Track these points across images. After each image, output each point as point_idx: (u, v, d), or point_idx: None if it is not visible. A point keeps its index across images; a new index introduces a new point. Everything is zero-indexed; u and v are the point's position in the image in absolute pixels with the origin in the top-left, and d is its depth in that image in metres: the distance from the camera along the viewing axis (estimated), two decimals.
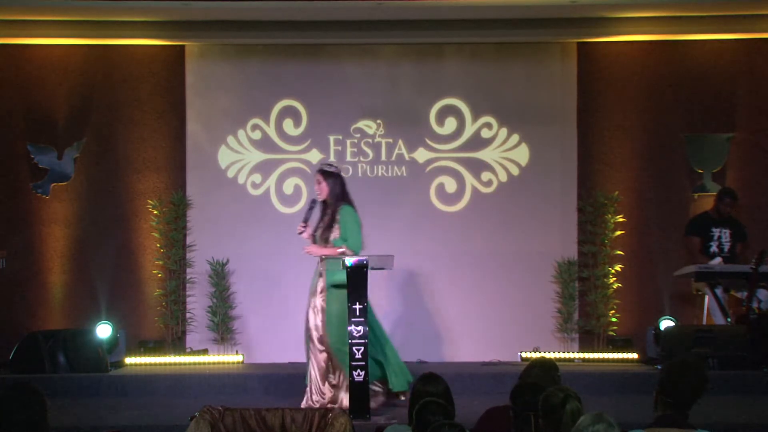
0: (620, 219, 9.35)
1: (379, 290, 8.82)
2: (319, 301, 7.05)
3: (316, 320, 7.04)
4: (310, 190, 9.50)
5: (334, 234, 7.03)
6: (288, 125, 9.55)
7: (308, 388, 7.06)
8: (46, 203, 9.47)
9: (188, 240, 9.44)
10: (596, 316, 9.24)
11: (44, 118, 9.49)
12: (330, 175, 7.10)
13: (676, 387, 4.12)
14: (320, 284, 7.06)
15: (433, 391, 4.56)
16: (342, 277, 6.79)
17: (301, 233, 7.09)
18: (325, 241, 7.06)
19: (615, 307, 9.29)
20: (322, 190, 7.09)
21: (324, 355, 7.02)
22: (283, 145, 9.55)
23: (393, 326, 9.05)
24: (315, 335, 7.03)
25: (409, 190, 9.52)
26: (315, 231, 7.12)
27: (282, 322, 9.29)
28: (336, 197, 7.08)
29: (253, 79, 9.57)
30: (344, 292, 6.77)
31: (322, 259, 7.01)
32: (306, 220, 7.09)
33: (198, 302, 9.39)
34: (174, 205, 9.39)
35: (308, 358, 7.12)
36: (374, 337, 7.01)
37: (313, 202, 7.17)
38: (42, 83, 9.50)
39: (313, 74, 9.52)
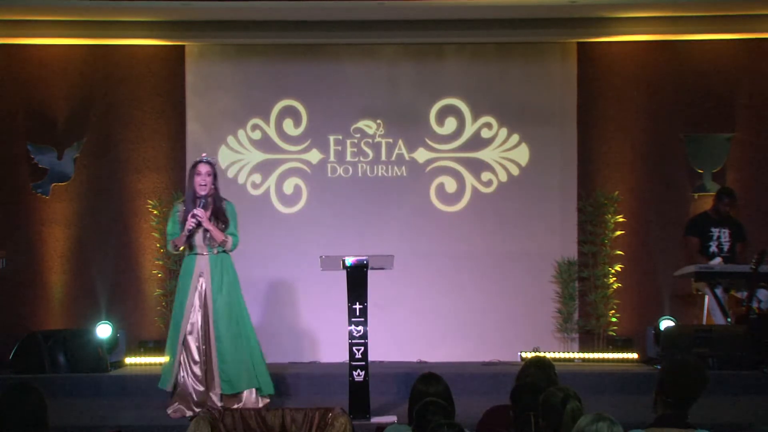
0: (620, 219, 9.35)
1: (379, 290, 8.83)
2: (197, 300, 6.89)
3: (195, 319, 6.88)
4: (310, 190, 9.51)
5: (226, 228, 6.92)
6: (288, 125, 9.55)
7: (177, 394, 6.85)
8: (46, 203, 9.47)
9: None
10: (596, 316, 9.24)
11: (44, 118, 9.49)
12: (215, 169, 6.96)
13: (676, 387, 4.12)
14: (201, 284, 6.89)
15: (432, 391, 4.56)
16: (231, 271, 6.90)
17: (200, 222, 6.82)
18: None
19: (615, 307, 9.29)
20: (210, 183, 6.86)
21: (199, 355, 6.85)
22: (283, 145, 9.55)
23: (393, 326, 9.06)
24: (196, 336, 6.86)
25: (409, 190, 9.51)
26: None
27: (281, 322, 9.30)
28: (219, 191, 6.97)
29: (253, 79, 9.57)
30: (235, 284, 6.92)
31: (200, 254, 6.88)
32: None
33: None
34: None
35: (179, 361, 6.86)
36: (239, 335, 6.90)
37: (203, 195, 6.87)
38: (42, 83, 9.50)
39: (313, 74, 9.53)
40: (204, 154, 7.07)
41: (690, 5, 8.86)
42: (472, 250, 9.43)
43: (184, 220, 6.83)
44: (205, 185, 6.85)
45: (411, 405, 4.54)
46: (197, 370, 6.84)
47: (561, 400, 3.92)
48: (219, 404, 6.67)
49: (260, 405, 6.80)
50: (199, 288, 6.90)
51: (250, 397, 6.87)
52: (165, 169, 9.54)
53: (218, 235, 6.85)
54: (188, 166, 9.38)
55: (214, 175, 6.90)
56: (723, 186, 9.17)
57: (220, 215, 6.91)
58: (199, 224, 6.83)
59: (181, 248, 7.04)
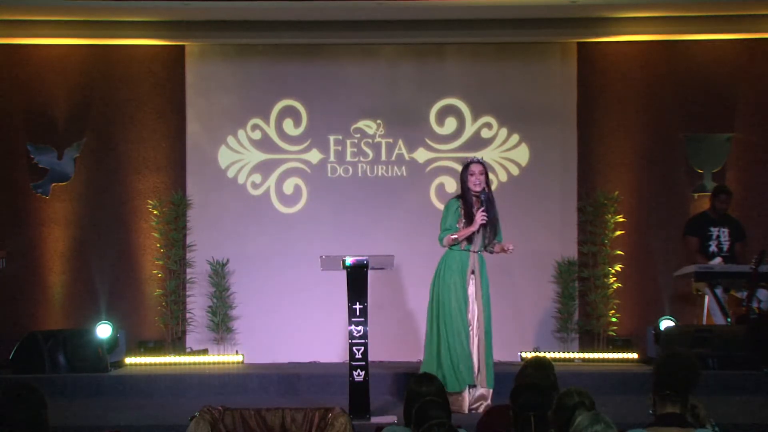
0: (620, 219, 9.35)
1: (379, 290, 8.83)
2: (471, 296, 7.01)
3: (473, 315, 6.99)
4: (310, 190, 9.51)
5: (494, 230, 7.05)
6: (288, 125, 9.55)
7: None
8: (46, 203, 9.48)
9: (188, 240, 9.44)
10: (596, 316, 9.24)
11: (44, 118, 9.49)
12: (485, 168, 7.11)
13: (670, 379, 4.10)
14: (472, 281, 7.02)
15: (425, 391, 4.56)
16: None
17: (484, 221, 6.94)
18: (491, 235, 7.05)
19: (615, 307, 9.29)
20: (483, 182, 7.02)
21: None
22: (283, 145, 9.55)
23: (393, 326, 9.05)
24: (471, 332, 6.98)
25: (409, 190, 9.51)
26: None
27: (282, 322, 9.30)
28: (492, 193, 7.13)
29: (253, 79, 9.57)
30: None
31: (475, 252, 7.02)
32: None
33: (198, 302, 9.40)
34: (174, 205, 9.39)
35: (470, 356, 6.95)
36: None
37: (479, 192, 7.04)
38: (42, 83, 9.50)
39: (313, 74, 9.53)
40: (475, 156, 7.24)
41: (690, 5, 8.87)
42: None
43: (467, 215, 6.97)
44: (479, 183, 7.00)
45: (406, 405, 4.54)
46: (475, 365, 6.95)
47: (573, 405, 3.91)
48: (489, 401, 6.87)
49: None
50: (473, 284, 7.02)
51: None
52: (165, 169, 9.55)
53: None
54: (188, 165, 9.50)
55: (486, 175, 7.06)
56: (719, 184, 9.18)
57: (494, 219, 7.06)
58: (486, 223, 6.98)
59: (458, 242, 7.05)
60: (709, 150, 9.44)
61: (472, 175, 7.01)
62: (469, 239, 7.01)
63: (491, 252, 7.14)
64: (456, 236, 6.98)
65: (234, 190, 9.51)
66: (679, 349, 4.37)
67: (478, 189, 6.98)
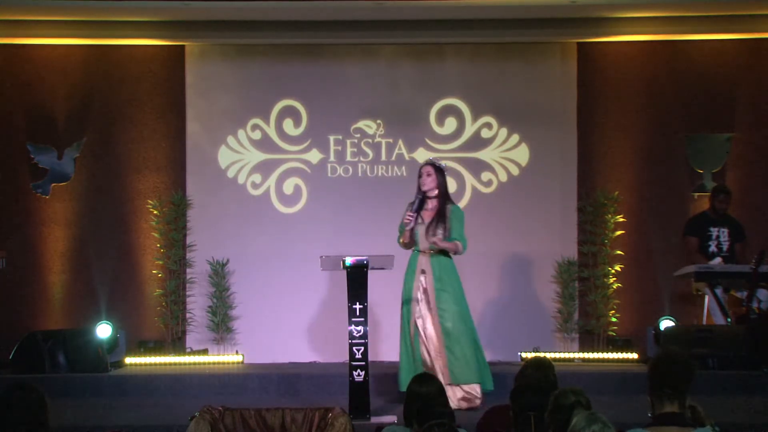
0: (620, 219, 9.35)
1: (379, 290, 8.82)
2: (421, 296, 7.04)
3: (423, 314, 7.02)
4: (310, 190, 9.51)
5: (441, 231, 7.02)
6: (288, 125, 9.55)
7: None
8: (46, 203, 9.48)
9: (188, 240, 9.44)
10: (596, 316, 9.24)
11: (44, 118, 9.49)
12: (439, 170, 7.15)
13: (665, 375, 4.10)
14: (422, 281, 7.05)
15: (426, 391, 4.56)
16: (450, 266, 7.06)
17: (408, 223, 7.04)
18: (432, 236, 7.03)
19: (615, 307, 9.29)
20: (429, 183, 7.09)
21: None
22: (283, 145, 9.55)
23: (393, 326, 9.04)
24: (423, 330, 7.00)
25: (410, 190, 9.44)
26: (415, 224, 7.09)
27: (282, 322, 9.30)
28: (444, 194, 7.14)
29: (253, 79, 9.57)
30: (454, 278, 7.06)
31: (424, 252, 7.06)
32: (416, 211, 7.08)
33: (198, 302, 9.40)
34: (174, 205, 9.39)
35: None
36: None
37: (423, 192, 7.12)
38: (42, 83, 9.50)
39: (313, 74, 9.53)
40: (430, 158, 7.58)
41: (690, 5, 8.87)
42: (472, 250, 9.31)
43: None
44: (424, 184, 7.11)
45: (406, 405, 4.54)
46: (429, 362, 6.97)
47: (570, 405, 3.91)
48: (459, 396, 6.91)
49: (479, 401, 6.91)
50: (422, 284, 7.07)
51: (471, 391, 6.96)
52: (165, 169, 9.55)
53: (449, 246, 7.04)
54: (188, 165, 9.51)
55: (438, 177, 7.12)
56: (718, 184, 9.18)
57: (440, 218, 7.08)
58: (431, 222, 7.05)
59: (407, 242, 7.16)
60: (709, 150, 9.44)
61: (420, 176, 7.16)
62: (415, 240, 7.10)
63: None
64: (402, 236, 7.16)
65: (234, 190, 9.51)
66: (672, 348, 4.38)
67: (423, 189, 7.11)
